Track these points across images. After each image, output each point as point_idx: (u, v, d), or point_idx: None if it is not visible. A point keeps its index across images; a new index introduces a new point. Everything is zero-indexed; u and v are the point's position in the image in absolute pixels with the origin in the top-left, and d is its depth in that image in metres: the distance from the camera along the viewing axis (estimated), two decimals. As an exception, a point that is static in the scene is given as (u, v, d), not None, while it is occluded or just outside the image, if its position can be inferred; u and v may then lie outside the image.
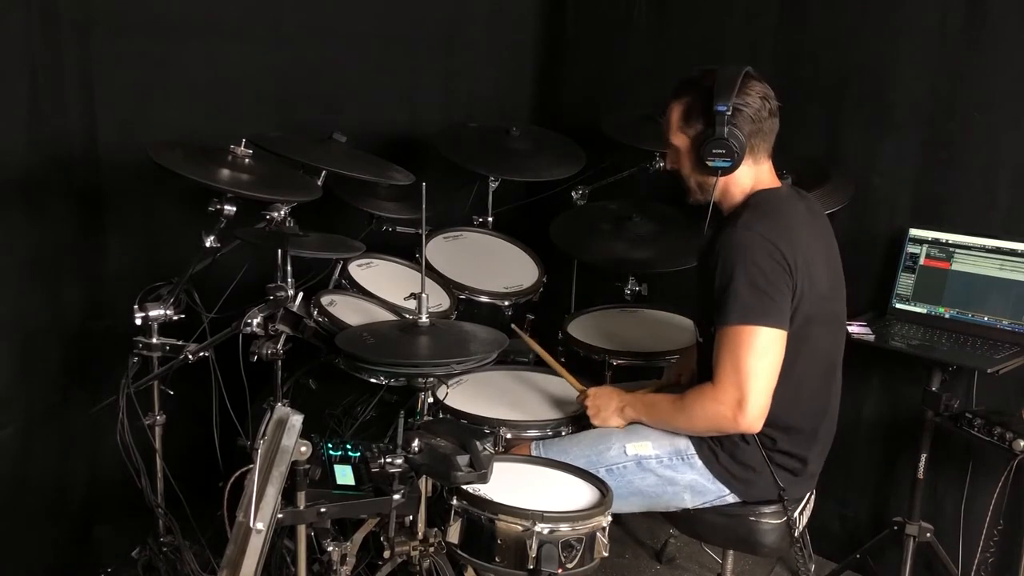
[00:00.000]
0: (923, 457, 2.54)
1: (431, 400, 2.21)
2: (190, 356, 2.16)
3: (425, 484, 1.91)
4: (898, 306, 2.65)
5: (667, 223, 2.94)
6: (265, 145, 2.35)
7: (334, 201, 2.65)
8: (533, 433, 2.18)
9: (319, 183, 2.48)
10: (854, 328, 2.48)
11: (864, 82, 2.78)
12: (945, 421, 2.40)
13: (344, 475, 1.80)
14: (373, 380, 2.26)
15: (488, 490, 1.85)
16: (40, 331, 2.62)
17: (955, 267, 2.57)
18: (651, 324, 2.87)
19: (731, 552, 2.27)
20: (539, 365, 2.50)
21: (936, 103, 2.64)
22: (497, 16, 3.62)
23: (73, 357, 2.71)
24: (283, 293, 2.09)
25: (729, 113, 1.93)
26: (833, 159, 2.83)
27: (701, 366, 2.11)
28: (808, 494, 2.14)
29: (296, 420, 1.65)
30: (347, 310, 2.36)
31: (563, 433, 2.19)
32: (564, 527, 1.79)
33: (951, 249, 2.58)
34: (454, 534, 1.86)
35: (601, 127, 3.11)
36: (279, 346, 2.14)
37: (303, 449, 1.65)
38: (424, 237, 2.13)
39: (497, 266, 2.90)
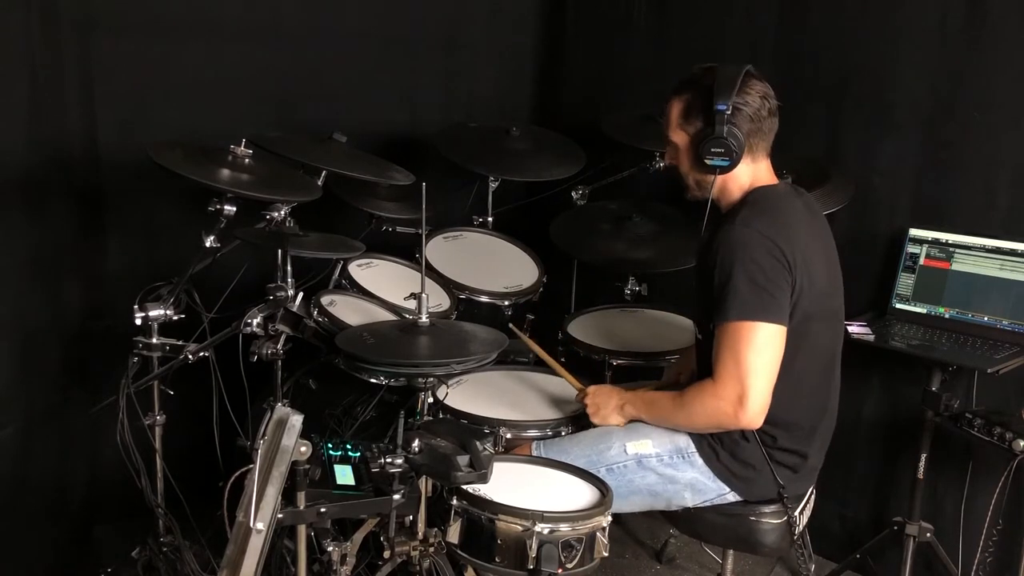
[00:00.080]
0: (923, 457, 2.54)
1: (431, 400, 2.21)
2: (190, 356, 2.16)
3: (425, 484, 1.91)
4: (898, 306, 2.65)
5: (667, 223, 2.94)
6: (265, 145, 2.35)
7: (334, 201, 2.65)
8: (533, 433, 2.18)
9: (319, 183, 2.48)
10: (854, 328, 2.48)
11: (864, 82, 2.78)
12: (945, 421, 2.40)
13: (344, 475, 1.80)
14: (373, 380, 2.26)
15: (488, 490, 1.85)
16: (40, 331, 2.62)
17: (955, 267, 2.57)
18: (651, 324, 2.87)
19: (731, 552, 2.27)
20: (539, 365, 2.50)
21: (936, 103, 2.64)
22: (497, 16, 3.62)
23: (73, 357, 2.71)
24: (283, 293, 2.08)
25: (729, 112, 1.94)
26: (833, 159, 2.83)
27: (700, 363, 2.12)
28: (808, 493, 2.14)
29: (296, 420, 1.65)
30: (347, 310, 2.36)
31: (563, 433, 2.19)
32: (564, 527, 1.79)
33: (951, 249, 2.58)
34: (454, 534, 1.86)
35: (601, 127, 3.11)
36: (279, 346, 2.14)
37: (303, 449, 1.65)
38: (424, 237, 2.12)
39: (497, 266, 2.90)
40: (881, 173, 2.76)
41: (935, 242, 2.61)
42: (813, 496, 2.16)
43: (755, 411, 1.90)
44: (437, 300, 2.57)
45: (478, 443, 1.82)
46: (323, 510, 1.72)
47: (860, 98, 2.79)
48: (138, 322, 2.19)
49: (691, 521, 2.12)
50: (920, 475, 2.55)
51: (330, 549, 1.88)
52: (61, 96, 2.60)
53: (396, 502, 1.77)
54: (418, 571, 1.99)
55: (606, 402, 2.14)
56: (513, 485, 1.92)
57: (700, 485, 2.05)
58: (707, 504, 2.07)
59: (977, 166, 2.58)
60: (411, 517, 1.95)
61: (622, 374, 2.52)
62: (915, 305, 2.63)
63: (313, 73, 3.09)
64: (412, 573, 2.00)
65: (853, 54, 2.80)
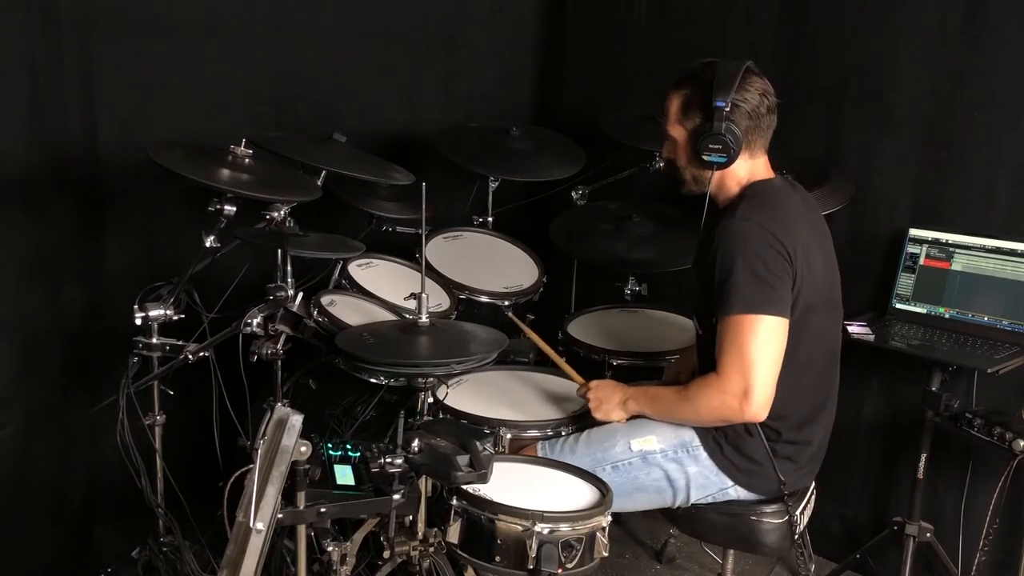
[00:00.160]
0: (923, 457, 2.54)
1: (431, 400, 2.21)
2: (190, 356, 2.16)
3: (425, 484, 1.91)
4: (898, 306, 2.65)
5: (667, 223, 2.94)
6: (265, 145, 2.35)
7: (334, 201, 2.65)
8: (533, 433, 2.18)
9: (319, 183, 2.48)
10: (854, 328, 2.48)
11: (864, 82, 2.78)
12: (945, 421, 2.40)
13: (344, 475, 1.80)
14: (373, 380, 2.26)
15: (488, 490, 1.85)
16: (40, 331, 2.62)
17: (955, 267, 2.57)
18: (651, 324, 2.87)
19: (731, 552, 2.27)
20: (539, 365, 2.50)
21: (936, 103, 2.64)
22: (497, 16, 3.62)
23: (73, 357, 2.71)
24: (283, 293, 2.09)
25: (727, 109, 1.94)
26: (833, 159, 2.83)
27: (702, 358, 2.12)
28: (809, 493, 2.14)
29: (296, 420, 1.65)
30: (347, 310, 2.36)
31: (563, 432, 2.19)
32: (564, 527, 1.79)
33: (951, 249, 2.58)
34: (454, 534, 1.86)
35: (601, 127, 3.12)
36: (279, 346, 2.14)
37: (303, 449, 1.65)
38: (424, 237, 2.13)
39: (497, 266, 2.90)
40: (881, 173, 2.76)
41: (935, 242, 2.61)
42: (813, 496, 2.16)
43: (760, 404, 1.90)
44: (437, 300, 2.57)
45: (478, 443, 1.82)
46: (323, 510, 1.72)
47: (860, 98, 2.79)
48: (138, 322, 2.19)
49: (692, 520, 2.12)
50: (920, 475, 2.55)
51: (330, 549, 1.88)
52: (61, 96, 2.60)
53: (396, 502, 1.77)
54: (418, 571, 1.99)
55: (608, 397, 2.14)
56: (513, 485, 1.92)
57: (703, 479, 2.05)
58: (709, 498, 2.07)
59: (977, 166, 2.58)
60: (411, 517, 1.95)
61: (622, 374, 2.52)
62: (915, 305, 2.63)
63: (313, 73, 3.09)
64: (412, 573, 2.00)
65: (853, 54, 2.80)
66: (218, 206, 2.15)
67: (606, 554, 1.86)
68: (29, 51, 2.50)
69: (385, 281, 2.58)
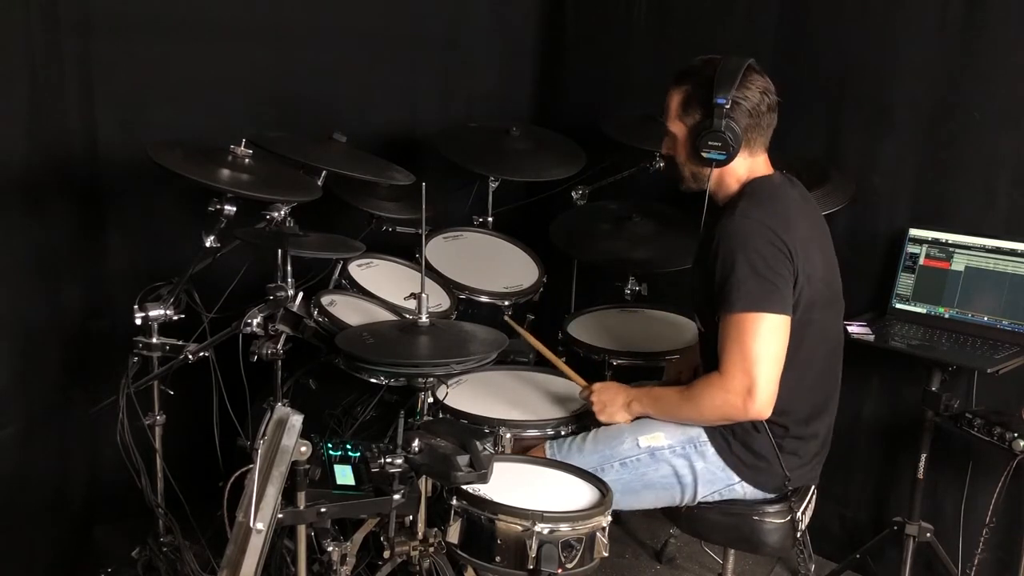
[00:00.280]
0: (923, 457, 2.54)
1: (431, 400, 2.21)
2: (190, 356, 2.16)
3: (425, 484, 1.91)
4: (898, 306, 2.65)
5: (667, 223, 2.94)
6: (265, 145, 2.35)
7: (334, 201, 2.65)
8: (533, 432, 2.18)
9: (319, 183, 2.48)
10: (854, 328, 2.48)
11: (864, 82, 2.78)
12: (945, 421, 2.40)
13: (344, 475, 1.80)
14: (373, 380, 2.26)
15: (488, 490, 1.85)
16: (40, 331, 2.62)
17: (955, 267, 2.57)
18: (651, 324, 2.87)
19: (732, 552, 2.27)
20: (539, 364, 2.50)
21: (936, 103, 2.64)
22: (497, 16, 3.62)
23: (73, 357, 2.71)
24: (283, 293, 2.08)
25: (728, 106, 1.94)
26: (833, 159, 2.83)
27: (705, 355, 2.12)
28: (810, 494, 2.13)
29: (296, 420, 1.65)
30: (347, 310, 2.36)
31: (563, 432, 2.19)
32: (564, 527, 1.79)
33: (951, 249, 2.58)
34: (454, 534, 1.86)
35: (601, 127, 3.11)
36: (279, 346, 2.14)
37: (303, 449, 1.65)
38: (424, 237, 2.13)
39: (497, 266, 2.90)
40: (881, 173, 2.76)
41: (935, 242, 2.61)
42: (814, 496, 2.16)
43: (763, 402, 1.90)
44: (437, 300, 2.57)
45: (478, 443, 1.82)
46: (323, 510, 1.72)
47: (860, 98, 2.79)
48: (138, 322, 2.19)
49: (693, 520, 2.12)
50: (920, 475, 2.55)
51: (330, 549, 1.88)
52: (61, 96, 2.60)
53: (396, 502, 1.77)
54: (418, 571, 1.99)
55: (612, 399, 2.14)
56: (513, 485, 1.92)
57: (710, 475, 2.05)
58: (716, 495, 2.07)
59: (977, 166, 2.58)
60: (411, 517, 1.95)
61: (622, 374, 2.52)
62: (915, 305, 2.63)
63: (313, 73, 3.09)
64: (412, 573, 2.00)
65: (853, 54, 2.80)
66: (218, 206, 2.15)
67: (606, 554, 1.86)
68: (29, 51, 2.50)
69: (385, 281, 2.58)
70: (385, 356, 2.06)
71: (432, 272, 2.67)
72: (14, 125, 2.49)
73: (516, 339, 2.44)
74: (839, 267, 2.12)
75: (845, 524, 2.91)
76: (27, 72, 2.50)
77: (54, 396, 2.68)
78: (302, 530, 1.74)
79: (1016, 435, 2.19)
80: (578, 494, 1.93)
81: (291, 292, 2.10)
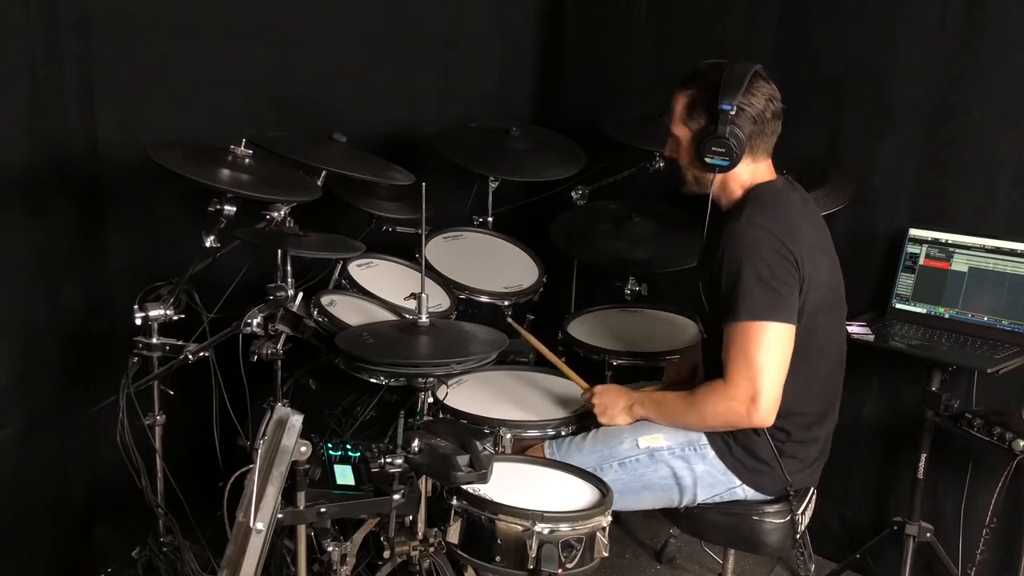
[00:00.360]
0: (923, 457, 2.54)
1: (431, 400, 2.21)
2: (190, 356, 2.16)
3: (425, 484, 1.91)
4: (898, 306, 2.65)
5: (667, 223, 2.94)
6: (265, 145, 2.35)
7: (334, 201, 2.65)
8: (533, 432, 2.18)
9: (319, 183, 2.48)
10: (854, 328, 2.48)
11: (864, 82, 2.78)
12: (945, 421, 2.40)
13: (344, 475, 1.80)
14: (373, 380, 2.26)
15: (488, 490, 1.85)
16: (40, 331, 2.62)
17: (955, 267, 2.57)
18: (651, 324, 2.87)
19: (732, 552, 2.27)
20: (539, 365, 2.50)
21: (936, 103, 2.64)
22: (497, 16, 3.62)
23: (73, 357, 2.71)
24: (283, 293, 2.09)
25: (733, 112, 1.94)
26: (833, 159, 2.83)
27: (707, 361, 2.12)
28: (810, 494, 2.13)
29: (296, 420, 1.65)
30: (347, 310, 2.36)
31: (563, 432, 2.19)
32: (564, 527, 1.79)
33: (951, 249, 2.58)
34: (454, 534, 1.86)
35: (601, 127, 3.11)
36: (279, 346, 2.14)
37: (303, 449, 1.65)
38: (424, 237, 2.13)
39: (497, 266, 2.90)
40: (881, 173, 2.76)
41: (935, 242, 2.61)
42: (814, 497, 2.16)
43: (767, 410, 1.91)
44: (437, 300, 2.57)
45: (478, 443, 1.82)
46: (323, 510, 1.72)
47: (860, 98, 2.79)
48: (138, 322, 2.19)
49: (694, 520, 2.12)
50: (920, 475, 2.55)
51: (330, 549, 1.88)
52: (61, 96, 2.60)
53: (396, 502, 1.77)
54: (418, 571, 1.99)
55: (614, 402, 2.14)
56: (513, 485, 1.92)
57: (711, 478, 2.05)
58: (716, 498, 2.07)
59: (977, 166, 2.58)
60: (411, 517, 1.95)
61: (622, 374, 2.52)
62: (915, 305, 2.63)
63: (313, 73, 3.09)
64: (412, 573, 2.00)
65: (853, 54, 2.80)
66: (218, 206, 2.15)
67: (606, 554, 1.86)
68: (29, 51, 2.50)
69: (385, 281, 2.58)
70: (385, 356, 2.06)
71: (432, 272, 2.67)
72: (14, 125, 2.48)
73: (516, 339, 2.45)
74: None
75: (845, 524, 2.91)
76: (27, 72, 2.50)
77: (54, 396, 2.68)
78: (302, 530, 1.74)
79: (1016, 435, 2.19)
80: (578, 494, 1.93)
81: (291, 292, 2.10)
